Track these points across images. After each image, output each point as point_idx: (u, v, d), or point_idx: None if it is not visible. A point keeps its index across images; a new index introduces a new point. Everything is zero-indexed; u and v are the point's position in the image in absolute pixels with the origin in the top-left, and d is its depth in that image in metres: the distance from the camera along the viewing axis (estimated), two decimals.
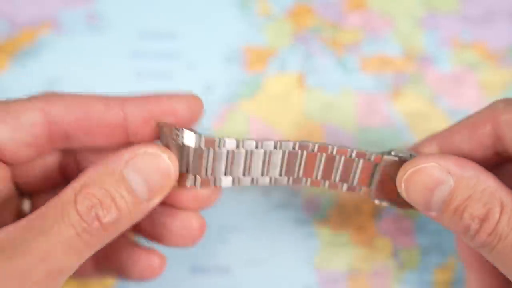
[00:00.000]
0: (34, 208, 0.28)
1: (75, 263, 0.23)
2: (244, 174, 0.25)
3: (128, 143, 0.26)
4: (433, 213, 0.25)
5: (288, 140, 0.25)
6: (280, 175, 0.26)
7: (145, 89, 0.35)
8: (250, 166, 0.25)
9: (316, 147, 0.25)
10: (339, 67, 0.36)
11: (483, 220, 0.23)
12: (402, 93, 0.35)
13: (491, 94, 0.35)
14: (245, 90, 0.35)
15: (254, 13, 0.37)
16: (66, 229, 0.22)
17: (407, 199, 0.25)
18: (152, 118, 0.26)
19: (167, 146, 0.25)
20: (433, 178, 0.24)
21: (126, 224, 0.24)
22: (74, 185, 0.23)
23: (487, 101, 0.35)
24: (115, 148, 0.26)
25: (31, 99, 0.25)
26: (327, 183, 0.26)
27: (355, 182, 0.26)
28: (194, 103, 0.26)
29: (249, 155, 0.25)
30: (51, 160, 0.28)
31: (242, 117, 0.34)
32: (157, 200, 0.24)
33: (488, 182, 0.24)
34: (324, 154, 0.25)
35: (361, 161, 0.26)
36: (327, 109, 0.35)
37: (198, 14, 0.37)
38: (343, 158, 0.26)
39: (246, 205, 0.33)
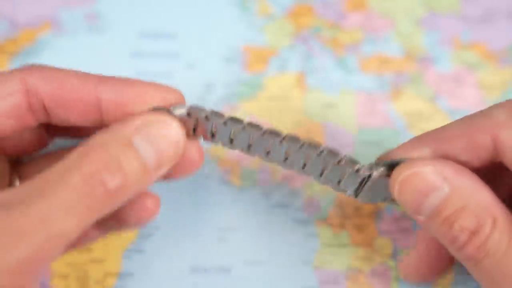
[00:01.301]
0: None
1: (75, 229, 0.22)
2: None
3: (102, 124, 0.25)
4: (422, 218, 0.24)
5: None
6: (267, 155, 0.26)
7: None
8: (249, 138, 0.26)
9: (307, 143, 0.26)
10: (339, 67, 0.36)
11: (473, 233, 0.23)
12: (402, 93, 0.35)
13: (491, 94, 0.35)
14: (245, 90, 0.35)
15: (254, 13, 0.37)
16: (68, 192, 0.21)
17: (398, 201, 0.24)
18: (124, 102, 0.25)
19: None
20: (428, 183, 0.23)
21: (131, 191, 0.23)
22: (80, 149, 0.23)
23: (487, 101, 0.35)
24: (90, 127, 0.26)
25: (11, 70, 0.25)
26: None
27: (341, 185, 0.26)
28: (172, 95, 0.26)
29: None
30: (38, 134, 0.28)
31: (242, 117, 0.34)
32: (164, 169, 0.24)
33: (483, 195, 0.23)
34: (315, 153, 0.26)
35: (350, 169, 0.25)
36: (327, 109, 0.35)
37: (198, 14, 0.37)
38: (331, 162, 0.25)
39: (246, 205, 0.33)
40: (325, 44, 0.36)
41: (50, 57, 0.35)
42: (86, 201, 0.22)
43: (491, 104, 0.35)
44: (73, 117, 0.26)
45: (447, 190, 0.23)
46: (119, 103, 0.25)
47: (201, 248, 0.32)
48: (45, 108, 0.26)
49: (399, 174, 0.24)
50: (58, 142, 0.30)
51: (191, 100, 0.35)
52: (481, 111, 0.25)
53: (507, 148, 0.23)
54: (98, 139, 0.23)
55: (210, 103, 0.35)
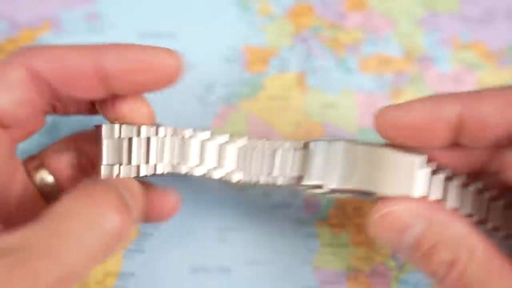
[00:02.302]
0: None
1: (90, 270, 0.22)
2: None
3: (110, 94, 0.26)
4: (403, 255, 0.24)
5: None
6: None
7: None
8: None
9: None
10: (339, 67, 0.36)
11: (451, 265, 0.23)
12: (402, 93, 0.35)
13: None
14: (245, 90, 0.35)
15: (254, 13, 0.37)
16: (92, 237, 0.22)
17: (378, 240, 0.25)
18: (129, 69, 0.25)
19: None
20: (402, 222, 0.24)
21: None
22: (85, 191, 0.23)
23: None
24: (99, 100, 0.26)
25: (12, 56, 0.25)
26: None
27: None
28: (172, 59, 0.26)
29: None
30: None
31: (242, 117, 0.34)
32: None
33: (457, 229, 0.23)
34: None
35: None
36: (327, 109, 0.35)
37: (198, 14, 0.37)
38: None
39: (246, 205, 0.33)
40: (325, 44, 0.36)
41: None
42: (98, 241, 0.22)
43: None
44: (81, 92, 0.26)
45: (421, 227, 0.24)
46: (125, 70, 0.25)
47: (201, 248, 0.32)
48: (51, 88, 0.26)
49: (374, 214, 0.24)
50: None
51: (191, 100, 0.35)
52: None
53: None
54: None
55: (210, 103, 0.35)
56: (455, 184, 0.26)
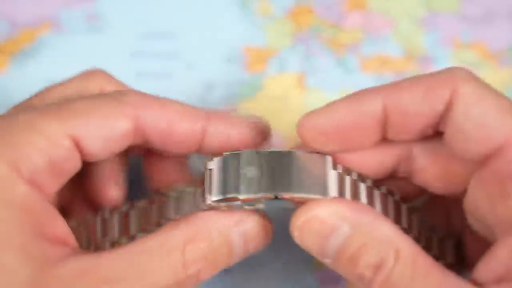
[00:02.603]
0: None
1: None
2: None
3: (196, 151, 0.27)
4: (328, 261, 0.24)
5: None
6: None
7: (144, 89, 0.35)
8: None
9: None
10: (339, 67, 0.36)
11: (377, 268, 0.22)
12: None
13: None
14: (245, 90, 0.35)
15: (254, 13, 0.37)
16: (169, 277, 0.23)
17: (301, 246, 0.24)
18: (227, 139, 0.26)
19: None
20: (327, 225, 0.23)
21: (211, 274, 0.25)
22: (184, 233, 0.24)
23: None
24: (182, 154, 0.27)
25: (121, 103, 0.25)
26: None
27: None
28: (262, 132, 0.27)
29: None
30: None
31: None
32: (242, 258, 0.26)
33: (384, 229, 0.23)
34: None
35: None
36: None
37: (198, 14, 0.37)
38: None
39: None
40: (325, 44, 0.36)
41: (50, 57, 0.35)
42: (179, 285, 0.23)
43: None
44: (175, 150, 0.26)
45: (347, 229, 0.23)
46: (225, 141, 0.26)
47: None
48: (145, 142, 0.26)
49: (297, 220, 0.24)
50: None
51: (191, 100, 0.35)
52: (439, 70, 0.24)
53: (463, 100, 0.23)
54: (201, 227, 0.24)
55: (210, 103, 0.35)
56: (363, 186, 0.25)
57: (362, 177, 0.25)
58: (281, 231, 0.32)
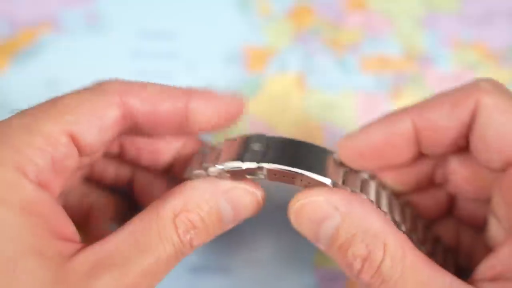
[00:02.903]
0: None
1: (163, 278, 0.25)
2: None
3: (185, 132, 0.27)
4: (322, 247, 0.24)
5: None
6: None
7: None
8: None
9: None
10: (339, 67, 0.36)
11: (365, 260, 0.23)
12: (402, 93, 0.35)
13: None
14: (245, 90, 0.35)
15: (254, 13, 0.37)
16: (169, 248, 0.24)
17: (297, 230, 0.25)
18: (212, 116, 0.27)
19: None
20: (320, 213, 0.24)
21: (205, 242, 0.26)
22: (173, 204, 0.24)
23: None
24: (172, 135, 0.28)
25: (106, 93, 0.26)
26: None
27: None
28: (237, 108, 0.28)
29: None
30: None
31: (242, 117, 0.34)
32: (235, 224, 0.26)
33: (373, 222, 0.23)
34: None
35: None
36: (327, 109, 0.35)
37: (198, 14, 0.37)
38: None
39: None
40: (325, 44, 0.36)
41: (50, 57, 0.35)
42: (179, 256, 0.25)
43: None
44: (163, 131, 0.27)
45: (339, 218, 0.23)
46: (207, 116, 0.27)
47: (201, 248, 0.32)
48: (135, 127, 0.27)
49: (293, 204, 0.24)
50: None
51: None
52: (466, 83, 0.25)
53: (485, 111, 0.24)
54: (188, 197, 0.25)
55: None
56: (372, 184, 0.26)
57: (370, 177, 0.26)
58: (282, 231, 0.32)
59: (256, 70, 0.36)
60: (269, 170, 0.24)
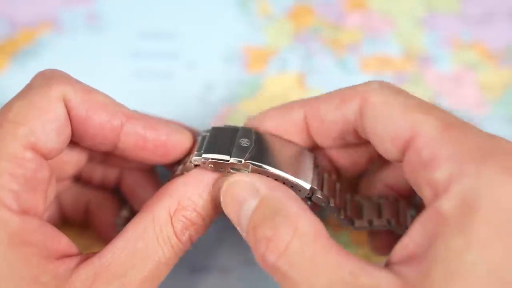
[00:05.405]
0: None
1: (164, 277, 0.25)
2: None
3: (110, 149, 0.27)
4: (242, 232, 0.24)
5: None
6: None
7: (145, 89, 0.35)
8: None
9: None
10: (339, 67, 0.36)
11: (269, 240, 0.23)
12: None
13: (491, 94, 0.35)
14: (245, 90, 0.35)
15: (254, 13, 0.37)
16: (168, 251, 0.24)
17: (225, 213, 0.25)
18: (143, 145, 0.26)
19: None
20: (243, 193, 0.24)
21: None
22: (167, 205, 0.25)
23: (487, 101, 0.35)
24: (97, 150, 0.27)
25: (49, 90, 0.25)
26: None
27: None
28: (185, 138, 0.27)
29: None
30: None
31: (242, 117, 0.34)
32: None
33: (289, 206, 0.23)
34: None
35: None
36: None
37: (198, 14, 0.37)
38: None
39: None
40: (325, 44, 0.36)
41: (50, 57, 0.35)
42: (179, 254, 0.25)
43: (491, 103, 0.35)
44: (88, 141, 0.26)
45: (257, 200, 0.24)
46: (138, 140, 0.26)
47: (201, 248, 0.32)
48: (82, 134, 0.26)
49: (222, 185, 0.25)
50: None
51: (191, 100, 0.35)
52: (359, 84, 0.27)
53: (370, 108, 0.25)
54: (181, 193, 0.25)
55: (210, 103, 0.35)
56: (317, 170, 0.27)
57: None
58: None
59: (256, 70, 0.36)
60: (253, 169, 0.25)
